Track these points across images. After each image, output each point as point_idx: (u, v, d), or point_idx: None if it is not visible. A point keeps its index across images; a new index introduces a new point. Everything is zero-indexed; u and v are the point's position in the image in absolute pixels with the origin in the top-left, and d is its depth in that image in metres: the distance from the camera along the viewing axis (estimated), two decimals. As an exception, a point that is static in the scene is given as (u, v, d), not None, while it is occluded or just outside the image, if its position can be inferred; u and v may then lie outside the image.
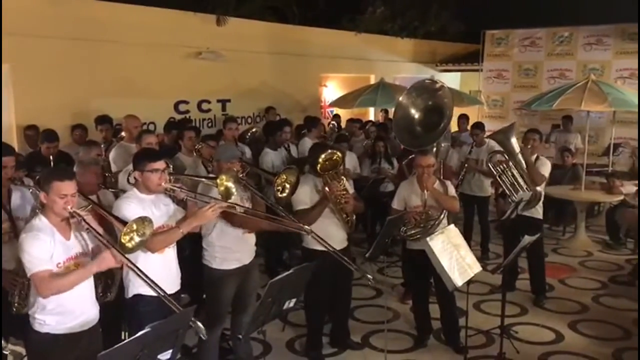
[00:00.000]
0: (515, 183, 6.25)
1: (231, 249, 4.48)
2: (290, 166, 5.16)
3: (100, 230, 3.28)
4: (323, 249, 4.60)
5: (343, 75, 13.81)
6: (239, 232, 4.51)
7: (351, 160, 7.45)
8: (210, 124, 10.34)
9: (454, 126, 9.32)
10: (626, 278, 7.31)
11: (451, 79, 15.46)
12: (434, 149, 5.56)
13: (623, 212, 7.85)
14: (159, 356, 2.88)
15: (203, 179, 4.53)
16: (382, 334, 5.23)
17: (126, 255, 3.22)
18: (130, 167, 4.16)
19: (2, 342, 3.66)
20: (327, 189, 4.76)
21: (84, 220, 3.22)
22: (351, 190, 5.09)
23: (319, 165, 4.78)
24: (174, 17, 9.57)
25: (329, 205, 4.83)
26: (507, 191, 6.32)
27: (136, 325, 3.63)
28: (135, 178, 3.87)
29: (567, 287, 7.07)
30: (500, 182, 6.39)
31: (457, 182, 7.69)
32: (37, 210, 3.51)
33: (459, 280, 4.40)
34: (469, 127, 9.15)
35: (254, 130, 9.31)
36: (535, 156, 6.42)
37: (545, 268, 6.70)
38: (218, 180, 3.97)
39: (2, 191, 4.20)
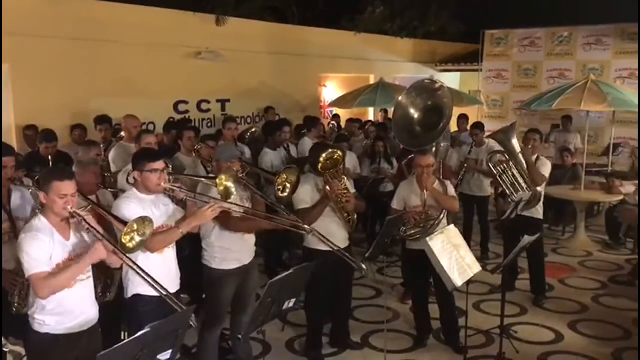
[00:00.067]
0: (516, 183, 6.25)
1: (231, 249, 4.48)
2: (291, 166, 5.17)
3: (100, 230, 3.28)
4: (325, 248, 4.61)
5: (342, 75, 13.81)
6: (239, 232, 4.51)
7: (351, 160, 7.45)
8: (209, 124, 10.34)
9: (453, 126, 9.32)
10: (626, 278, 7.31)
11: (451, 79, 15.46)
12: (434, 149, 5.55)
13: (623, 210, 7.85)
14: (158, 356, 2.88)
15: (202, 179, 4.53)
16: (382, 334, 5.22)
17: (127, 255, 3.22)
18: (130, 167, 4.16)
19: (2, 340, 3.66)
20: (328, 187, 4.76)
21: (84, 220, 3.22)
22: (352, 190, 5.09)
23: (320, 165, 4.78)
24: (174, 17, 9.57)
25: (330, 204, 4.83)
26: (507, 191, 6.32)
27: (136, 325, 3.63)
28: (134, 178, 3.87)
29: (566, 287, 7.07)
30: (501, 182, 6.39)
31: (457, 182, 7.70)
32: (37, 211, 3.51)
33: (458, 280, 4.40)
34: (468, 127, 9.15)
35: (253, 130, 9.31)
36: (535, 156, 6.42)
37: (545, 268, 6.69)
38: (217, 180, 3.97)
39: (2, 191, 4.19)
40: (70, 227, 3.34)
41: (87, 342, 3.38)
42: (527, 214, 6.25)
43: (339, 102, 11.61)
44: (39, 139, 6.58)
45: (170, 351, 2.92)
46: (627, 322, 5.96)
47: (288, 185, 4.63)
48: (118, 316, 4.30)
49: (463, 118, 10.11)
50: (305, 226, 4.26)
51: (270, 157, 7.05)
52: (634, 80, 12.19)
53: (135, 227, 3.23)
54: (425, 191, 5.17)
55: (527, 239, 4.93)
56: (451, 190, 5.39)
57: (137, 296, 3.81)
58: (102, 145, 6.36)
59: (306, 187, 4.85)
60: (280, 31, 11.72)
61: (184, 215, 3.93)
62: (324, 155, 4.80)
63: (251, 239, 4.65)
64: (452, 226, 4.83)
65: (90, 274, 3.46)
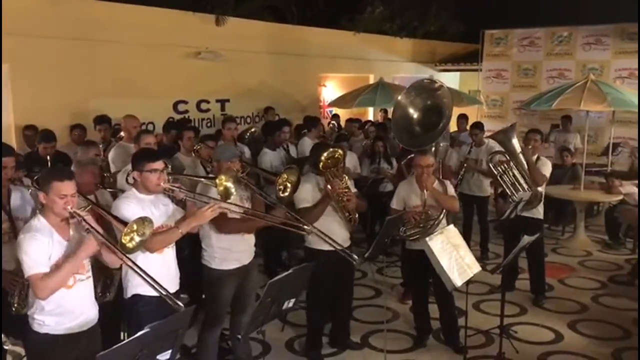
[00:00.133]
0: (517, 183, 6.25)
1: (230, 250, 4.48)
2: (291, 166, 5.17)
3: (100, 230, 3.27)
4: (326, 248, 4.61)
5: (342, 75, 13.82)
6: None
7: (351, 160, 7.45)
8: (209, 124, 10.34)
9: (453, 126, 9.33)
10: (625, 278, 7.31)
11: (450, 79, 15.47)
12: (433, 149, 5.55)
13: (623, 210, 7.85)
14: (158, 356, 2.87)
15: (202, 179, 4.53)
16: (382, 334, 5.22)
17: (127, 255, 3.22)
18: (129, 167, 4.15)
19: (3, 338, 3.67)
20: (329, 186, 4.76)
21: (84, 220, 3.21)
22: (353, 189, 5.09)
23: (321, 163, 4.78)
24: (173, 17, 9.57)
25: (331, 203, 4.83)
26: (508, 192, 6.32)
27: (135, 325, 3.63)
28: (134, 178, 3.87)
29: (566, 286, 7.07)
30: (502, 182, 6.39)
31: (457, 182, 7.70)
32: (37, 211, 3.51)
33: (458, 280, 4.40)
34: (468, 127, 9.15)
35: (252, 130, 9.31)
36: (536, 156, 6.42)
37: (545, 268, 6.69)
38: (217, 181, 3.97)
39: (2, 191, 4.19)
40: (70, 227, 3.34)
41: (87, 342, 3.38)
42: (527, 214, 6.25)
43: (338, 102, 11.61)
44: (38, 139, 6.58)
45: (169, 351, 2.92)
46: (627, 322, 5.96)
47: (289, 185, 4.63)
48: (117, 316, 4.30)
49: (462, 118, 10.12)
50: (305, 227, 4.26)
51: (270, 157, 7.04)
52: (634, 80, 12.19)
53: (135, 227, 3.23)
54: (425, 191, 5.17)
55: (526, 239, 4.93)
56: (451, 190, 5.39)
57: (136, 296, 3.81)
58: (101, 145, 6.36)
59: (307, 186, 4.85)
60: (279, 31, 11.72)
61: (183, 215, 3.93)
62: (325, 154, 4.80)
63: (251, 239, 4.65)
64: (451, 226, 4.83)
65: (90, 274, 3.46)
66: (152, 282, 3.24)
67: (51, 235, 3.23)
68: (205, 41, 9.97)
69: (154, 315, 3.29)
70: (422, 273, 5.22)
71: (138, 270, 3.26)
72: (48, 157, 6.08)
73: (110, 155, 6.29)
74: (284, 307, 3.70)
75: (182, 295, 4.36)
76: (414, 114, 5.79)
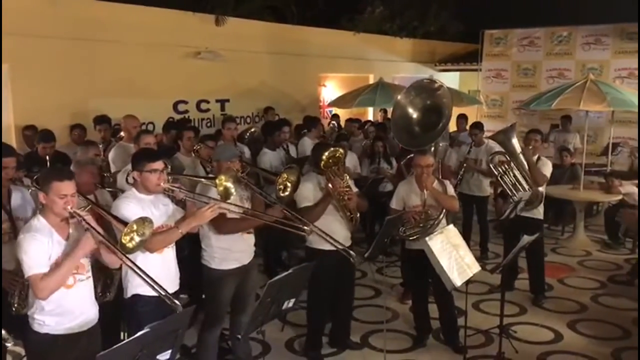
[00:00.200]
0: (517, 184, 6.25)
1: (230, 250, 4.48)
2: (291, 165, 5.17)
3: (100, 230, 3.28)
4: (327, 248, 4.62)
5: (342, 75, 13.82)
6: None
7: (351, 160, 7.45)
8: (209, 124, 10.34)
9: (452, 126, 9.33)
10: (625, 277, 7.32)
11: (450, 79, 15.48)
12: (432, 149, 5.55)
13: (623, 212, 7.86)
14: (158, 356, 2.88)
15: (202, 179, 4.53)
16: (382, 334, 5.23)
17: (126, 255, 3.23)
18: (129, 167, 4.16)
19: (4, 335, 3.67)
20: (330, 185, 4.77)
21: (84, 220, 3.21)
22: (354, 189, 5.09)
23: (322, 163, 4.78)
24: (173, 17, 9.58)
25: (333, 202, 4.84)
26: (509, 192, 6.31)
27: (135, 325, 3.63)
28: (134, 178, 3.87)
29: (566, 286, 7.08)
30: (502, 183, 6.39)
31: (456, 182, 7.70)
32: (37, 211, 3.51)
33: (458, 280, 4.41)
34: (467, 127, 9.15)
35: (252, 130, 9.31)
36: (536, 156, 6.43)
37: (544, 268, 6.70)
38: (217, 181, 3.97)
39: (2, 191, 4.20)
40: (70, 227, 3.34)
41: (87, 342, 3.38)
42: (527, 214, 6.26)
43: (338, 102, 11.61)
44: (37, 139, 6.58)
45: (169, 351, 2.93)
46: (627, 322, 5.96)
47: (288, 184, 4.63)
48: (117, 316, 4.30)
49: (462, 118, 10.12)
50: (305, 227, 4.26)
51: (269, 157, 7.04)
52: (633, 80, 12.20)
53: (135, 227, 3.23)
54: (424, 191, 5.17)
55: (526, 239, 4.93)
56: (450, 190, 5.39)
57: (136, 296, 3.81)
58: (101, 145, 6.36)
59: (308, 185, 4.86)
60: (279, 31, 11.72)
61: (183, 215, 3.93)
62: (326, 153, 4.81)
63: (250, 239, 4.66)
64: (451, 226, 4.83)
65: (90, 274, 3.46)
66: (152, 282, 3.25)
67: (51, 235, 3.23)
68: (205, 41, 9.97)
69: (154, 315, 3.30)
70: (422, 273, 5.22)
71: (137, 271, 3.26)
72: (47, 157, 6.08)
73: (110, 155, 6.29)
74: (284, 307, 3.70)
75: (182, 295, 4.38)
76: (413, 113, 5.78)
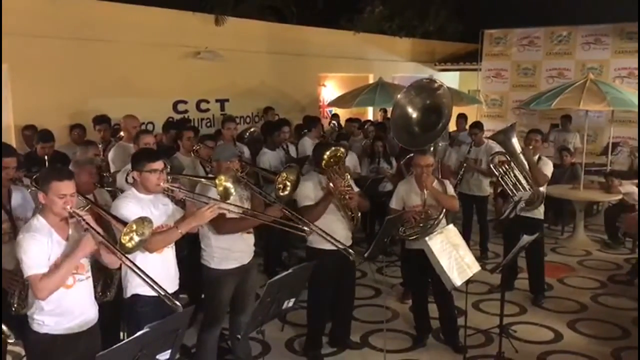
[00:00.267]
0: (518, 184, 6.25)
1: (230, 249, 4.47)
2: (291, 164, 5.17)
3: (99, 230, 3.27)
4: (327, 247, 4.61)
5: (341, 74, 13.82)
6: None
7: (351, 160, 7.45)
8: (208, 124, 10.34)
9: (451, 125, 9.32)
10: (625, 277, 7.31)
11: (450, 79, 15.48)
12: (432, 148, 5.55)
13: (624, 218, 7.86)
14: (157, 356, 2.88)
15: (202, 179, 4.53)
16: (381, 334, 5.22)
17: (126, 255, 3.22)
18: (129, 167, 4.15)
19: (7, 332, 3.68)
20: (331, 184, 4.77)
21: (84, 220, 3.21)
22: (356, 188, 5.09)
23: (323, 162, 4.79)
24: (173, 17, 9.58)
25: (334, 201, 4.84)
26: (509, 192, 6.31)
27: (134, 325, 3.63)
28: (133, 178, 3.87)
29: (565, 286, 7.07)
30: (503, 183, 6.39)
31: (456, 182, 7.70)
32: (36, 211, 3.50)
33: (457, 279, 4.41)
34: (467, 127, 9.15)
35: (252, 130, 9.31)
36: (537, 156, 6.43)
37: (544, 268, 6.70)
38: (217, 181, 3.97)
39: (2, 191, 4.19)
40: (69, 227, 3.34)
41: (86, 342, 3.37)
42: (527, 214, 6.25)
43: (338, 102, 11.61)
44: (36, 139, 6.57)
45: (169, 351, 2.92)
46: (626, 322, 5.96)
47: (288, 184, 4.63)
48: (117, 316, 4.30)
49: (462, 117, 10.12)
50: (305, 228, 4.26)
51: (268, 157, 7.04)
52: (633, 80, 12.21)
53: (135, 227, 3.23)
54: (424, 190, 5.17)
55: (525, 239, 4.93)
56: (450, 190, 5.39)
57: (135, 296, 3.81)
58: (100, 145, 6.36)
59: (309, 184, 4.86)
60: (279, 31, 11.72)
61: (183, 215, 3.92)
62: (327, 153, 4.81)
63: (250, 238, 4.65)
64: (451, 226, 4.83)
65: (90, 274, 3.46)
66: (151, 282, 3.24)
67: (50, 235, 3.22)
68: (205, 41, 9.97)
69: (154, 315, 3.30)
70: (422, 273, 5.21)
71: (137, 271, 3.26)
72: (46, 157, 6.08)
73: (110, 155, 6.29)
74: (284, 306, 3.70)
75: (181, 295, 4.37)
76: (413, 113, 5.76)
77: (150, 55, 9.26)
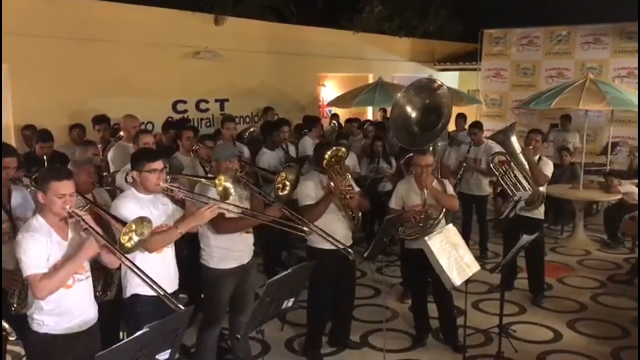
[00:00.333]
0: (518, 184, 6.25)
1: (229, 249, 4.47)
2: (290, 164, 5.17)
3: (98, 230, 3.27)
4: (328, 247, 4.61)
5: (341, 74, 13.81)
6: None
7: (350, 159, 7.44)
8: (208, 124, 10.34)
9: (451, 125, 9.32)
10: (624, 277, 7.32)
11: (449, 78, 15.48)
12: (431, 148, 5.55)
13: (625, 223, 7.89)
14: (157, 356, 2.88)
15: (202, 179, 4.53)
16: (381, 333, 5.22)
17: (125, 255, 3.22)
18: (129, 166, 4.15)
19: (8, 329, 3.68)
20: (332, 184, 4.77)
21: (83, 220, 3.21)
22: (356, 188, 5.10)
23: (324, 161, 4.79)
24: (172, 17, 9.57)
25: (334, 200, 4.84)
26: (509, 192, 6.30)
27: (134, 325, 3.63)
28: (133, 178, 3.86)
29: (565, 286, 7.07)
30: (503, 183, 6.39)
31: (455, 182, 7.69)
32: (36, 211, 3.50)
33: (457, 279, 4.41)
34: (466, 126, 9.15)
35: (251, 129, 9.31)
36: (537, 156, 6.43)
37: (544, 267, 6.70)
38: (216, 181, 3.97)
39: (2, 191, 4.19)
40: (68, 227, 3.34)
41: (86, 342, 3.37)
42: (528, 214, 6.26)
43: (337, 102, 11.61)
44: (35, 139, 6.57)
45: (169, 351, 2.92)
46: (626, 321, 5.97)
47: (287, 183, 4.63)
48: (116, 316, 4.30)
49: (461, 117, 10.12)
50: (305, 228, 4.26)
51: (268, 157, 7.04)
52: (633, 79, 12.21)
53: (134, 227, 3.23)
54: (424, 190, 5.17)
55: (525, 238, 4.93)
56: (450, 189, 5.39)
57: (135, 296, 3.81)
58: (100, 145, 6.36)
59: (310, 184, 4.87)
60: (278, 31, 11.72)
61: (182, 215, 3.92)
62: (328, 152, 4.82)
63: (249, 238, 4.65)
64: (450, 225, 4.83)
65: (89, 274, 3.46)
66: (151, 282, 3.24)
67: (50, 235, 3.22)
68: (204, 41, 9.97)
69: (153, 315, 3.30)
70: (422, 272, 5.22)
71: (136, 271, 3.26)
72: (45, 157, 6.07)
73: (110, 154, 6.29)
74: (283, 306, 3.70)
75: (181, 295, 4.37)
76: (412, 113, 5.76)
77: (150, 55, 9.26)
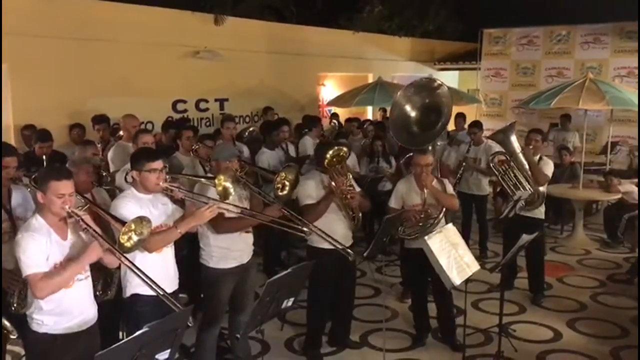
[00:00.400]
0: (518, 183, 6.24)
1: (229, 248, 4.47)
2: (290, 164, 5.16)
3: (98, 230, 3.27)
4: (328, 247, 4.61)
5: (341, 74, 13.81)
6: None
7: (350, 159, 7.42)
8: (208, 123, 10.34)
9: (450, 125, 9.31)
10: (624, 276, 7.32)
11: (449, 78, 15.47)
12: (430, 148, 5.54)
13: (632, 235, 7.94)
14: (156, 356, 2.87)
15: (201, 179, 4.53)
16: (381, 333, 5.22)
17: (124, 255, 3.22)
18: (128, 166, 4.15)
19: (9, 327, 3.69)
20: (333, 183, 4.77)
21: (82, 219, 3.21)
22: (357, 188, 5.10)
23: (326, 161, 4.79)
24: (172, 17, 9.57)
25: (335, 200, 4.84)
26: (509, 192, 6.30)
27: (133, 325, 3.63)
28: (132, 177, 3.86)
29: (565, 285, 7.08)
30: (503, 183, 6.38)
31: (455, 181, 7.69)
32: (35, 210, 3.50)
33: (457, 279, 4.41)
34: (465, 126, 9.15)
35: (251, 129, 9.31)
36: (538, 156, 6.42)
37: (544, 267, 6.70)
38: (216, 180, 3.97)
39: (2, 191, 4.19)
40: (68, 226, 3.33)
41: (86, 341, 3.37)
42: (528, 213, 6.26)
43: (337, 101, 11.61)
44: (34, 139, 6.57)
45: (168, 351, 2.92)
46: (626, 321, 5.97)
47: (287, 183, 4.63)
48: (116, 316, 4.30)
49: (460, 117, 10.11)
50: (304, 228, 4.26)
51: (267, 157, 7.04)
52: (632, 79, 12.21)
53: (133, 226, 3.23)
54: (424, 190, 5.17)
55: (525, 238, 4.92)
56: (449, 189, 5.40)
57: (135, 296, 3.80)
58: (99, 145, 6.35)
59: (311, 183, 4.87)
60: (278, 30, 11.71)
61: (182, 215, 3.92)
62: (330, 152, 4.82)
63: (249, 237, 4.65)
64: (450, 225, 4.83)
65: (89, 273, 3.46)
66: (150, 282, 3.24)
67: (49, 235, 3.22)
68: (204, 40, 9.96)
69: (152, 314, 3.30)
70: (421, 272, 5.22)
71: (136, 271, 3.26)
72: (44, 157, 6.07)
73: (110, 154, 6.28)
74: (283, 306, 3.70)
75: (180, 295, 4.37)
76: (412, 112, 5.76)
77: (150, 54, 9.25)
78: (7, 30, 7.25)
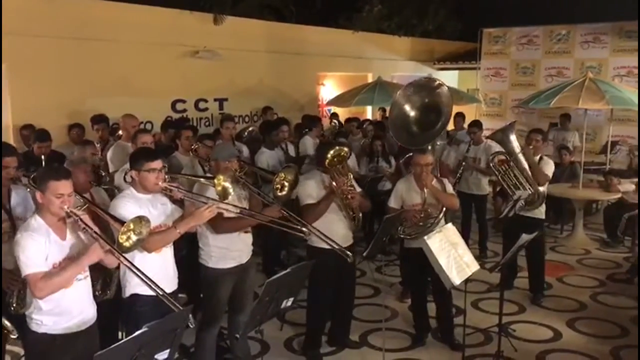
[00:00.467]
0: (518, 183, 6.24)
1: (228, 248, 4.47)
2: (289, 164, 5.16)
3: (96, 229, 3.27)
4: (328, 247, 4.61)
5: (340, 73, 13.81)
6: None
7: (350, 159, 7.43)
8: (207, 123, 10.33)
9: (449, 124, 9.31)
10: (624, 276, 7.31)
11: (449, 78, 15.46)
12: (430, 147, 5.54)
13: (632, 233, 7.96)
14: (156, 356, 2.87)
15: (201, 179, 4.52)
16: (380, 333, 5.22)
17: (124, 255, 3.22)
18: (127, 166, 4.14)
19: (10, 327, 3.69)
20: (334, 183, 4.76)
21: (81, 219, 3.20)
22: (358, 188, 5.09)
23: (327, 161, 4.78)
24: (171, 16, 9.56)
25: (336, 200, 4.83)
26: (510, 192, 6.29)
27: (133, 324, 3.62)
28: (132, 177, 3.85)
29: (565, 285, 7.07)
30: (503, 182, 6.38)
31: (455, 181, 7.69)
32: (34, 210, 3.50)
33: (456, 278, 4.41)
34: (465, 125, 9.14)
35: (251, 129, 9.30)
36: (538, 156, 6.42)
37: (544, 267, 6.69)
38: (215, 180, 3.96)
39: (2, 191, 4.19)
40: (67, 226, 3.33)
41: (85, 341, 3.37)
42: (528, 213, 6.25)
43: (336, 101, 11.60)
44: (33, 139, 6.57)
45: (167, 351, 2.92)
46: (625, 320, 5.97)
47: (286, 184, 4.63)
48: (115, 316, 4.29)
49: (459, 116, 10.11)
50: (304, 228, 4.26)
51: (266, 157, 7.03)
52: (632, 78, 12.21)
53: (132, 226, 3.22)
54: (424, 189, 5.17)
55: (524, 238, 4.92)
56: (449, 188, 5.40)
57: (134, 296, 3.80)
58: (98, 145, 6.34)
59: (311, 183, 4.87)
60: (278, 30, 11.70)
61: (181, 215, 3.92)
62: (331, 152, 4.81)
63: (248, 237, 4.64)
64: (450, 224, 4.83)
65: (88, 273, 3.46)
66: (150, 282, 3.23)
67: (48, 235, 3.22)
68: (204, 40, 9.96)
69: (152, 314, 3.30)
70: (421, 272, 5.22)
71: (135, 270, 3.25)
72: (43, 157, 6.07)
73: (109, 154, 6.28)
74: (283, 306, 3.70)
75: (180, 295, 4.37)
76: (411, 112, 5.76)
77: (149, 54, 9.25)
78: (6, 30, 7.24)
